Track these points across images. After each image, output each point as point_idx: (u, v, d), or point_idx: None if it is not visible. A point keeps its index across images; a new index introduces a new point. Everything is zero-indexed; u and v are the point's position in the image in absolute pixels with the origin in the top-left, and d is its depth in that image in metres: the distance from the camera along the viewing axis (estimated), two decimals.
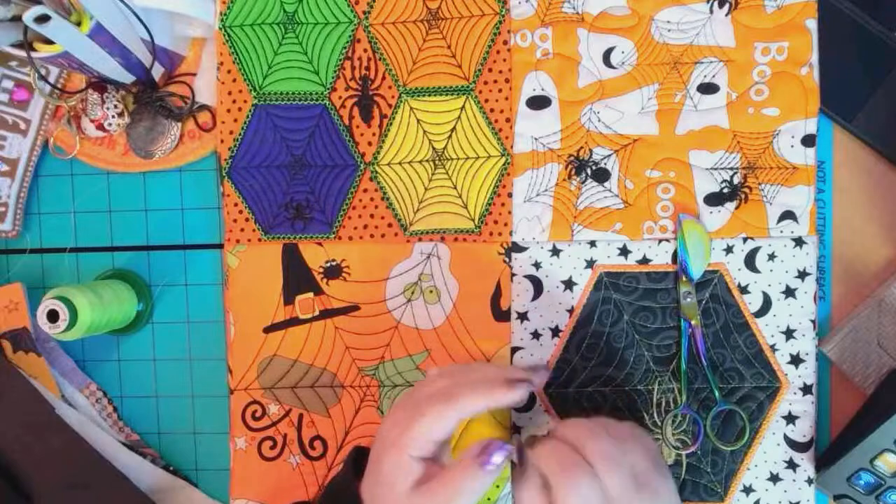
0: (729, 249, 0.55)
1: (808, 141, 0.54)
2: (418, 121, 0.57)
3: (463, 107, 0.56)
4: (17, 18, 0.50)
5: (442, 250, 0.57)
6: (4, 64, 0.59)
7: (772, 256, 0.54)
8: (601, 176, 0.56)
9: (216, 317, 0.59)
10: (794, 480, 0.55)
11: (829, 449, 0.54)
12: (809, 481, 0.55)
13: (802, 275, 0.54)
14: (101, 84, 0.58)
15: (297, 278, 0.58)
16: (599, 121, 0.55)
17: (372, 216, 0.57)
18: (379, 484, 0.46)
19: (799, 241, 0.54)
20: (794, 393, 0.54)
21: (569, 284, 0.56)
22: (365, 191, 0.57)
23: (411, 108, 0.57)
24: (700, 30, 0.54)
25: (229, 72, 0.58)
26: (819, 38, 0.53)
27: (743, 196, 0.55)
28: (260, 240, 0.58)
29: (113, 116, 0.58)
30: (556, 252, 0.56)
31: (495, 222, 0.56)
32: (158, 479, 0.59)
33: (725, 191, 0.55)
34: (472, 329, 0.57)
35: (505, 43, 0.56)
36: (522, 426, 0.56)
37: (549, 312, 0.56)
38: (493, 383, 0.47)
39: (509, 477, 0.57)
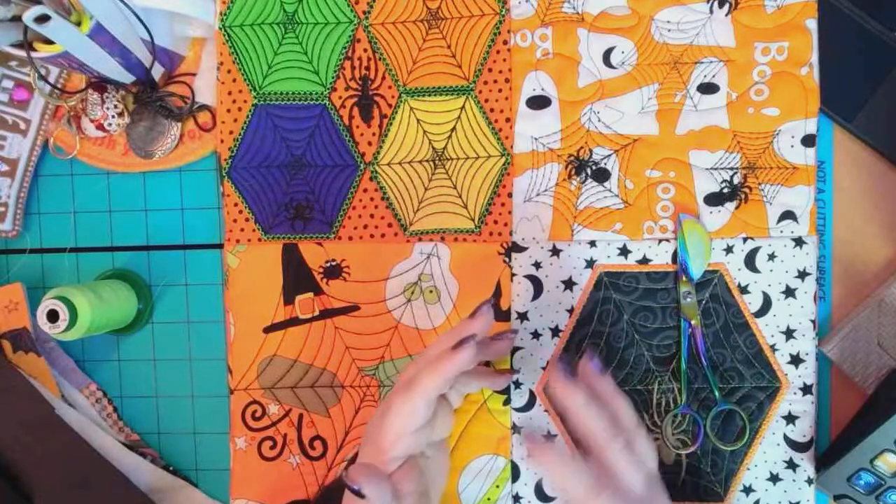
0: (729, 249, 0.55)
1: (808, 141, 0.54)
2: (418, 121, 0.57)
3: (463, 107, 0.56)
4: (17, 18, 0.50)
5: (442, 250, 0.57)
6: (4, 64, 0.59)
7: (772, 256, 0.54)
8: (601, 176, 0.56)
9: (216, 317, 0.59)
10: (794, 480, 0.55)
11: (829, 449, 0.54)
12: (809, 481, 0.55)
13: (802, 275, 0.54)
14: (101, 84, 0.58)
15: (297, 278, 0.58)
16: (599, 121, 0.55)
17: (372, 216, 0.57)
18: None
19: (799, 241, 0.54)
20: (794, 393, 0.54)
21: (569, 284, 0.56)
22: (365, 191, 0.57)
23: (411, 108, 0.57)
24: (700, 30, 0.54)
25: (229, 72, 0.58)
26: (819, 38, 0.53)
27: (743, 196, 0.55)
28: (260, 240, 0.58)
29: (113, 116, 0.58)
30: (556, 252, 0.56)
31: (495, 222, 0.56)
32: (158, 479, 0.59)
33: (725, 191, 0.55)
34: None
35: (505, 43, 0.56)
36: (522, 426, 0.56)
37: (549, 312, 0.56)
38: (441, 356, 0.47)
39: (510, 478, 0.57)
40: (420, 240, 0.57)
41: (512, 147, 0.56)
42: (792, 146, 0.54)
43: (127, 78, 0.56)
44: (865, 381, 0.53)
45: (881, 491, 0.51)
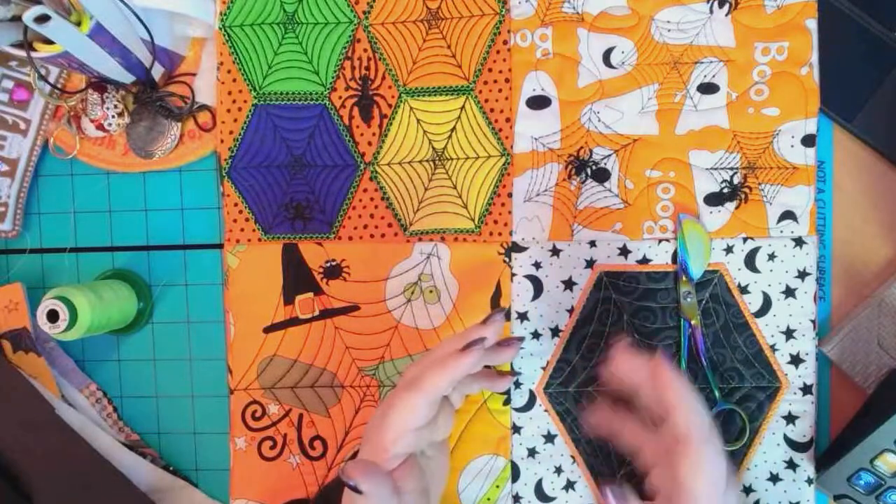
0: (729, 249, 0.55)
1: (808, 141, 0.54)
2: (418, 121, 0.57)
3: (463, 107, 0.56)
4: (17, 18, 0.50)
5: (442, 250, 0.57)
6: (4, 64, 0.59)
7: (772, 256, 0.54)
8: (601, 176, 0.56)
9: (216, 317, 0.59)
10: (794, 480, 0.55)
11: (829, 449, 0.54)
12: (809, 481, 0.55)
13: (802, 275, 0.54)
14: (101, 84, 0.58)
15: (297, 278, 0.58)
16: (599, 121, 0.55)
17: (372, 216, 0.57)
18: None
19: (799, 241, 0.54)
20: (794, 393, 0.54)
21: (569, 284, 0.56)
22: (365, 191, 0.57)
23: (411, 108, 0.57)
24: (700, 30, 0.54)
25: (229, 72, 0.58)
26: (819, 38, 0.53)
27: (743, 196, 0.55)
28: (260, 240, 0.58)
29: (113, 116, 0.58)
30: (556, 252, 0.56)
31: (495, 222, 0.56)
32: (158, 479, 0.59)
33: (725, 191, 0.55)
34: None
35: (505, 43, 0.56)
36: (522, 426, 0.56)
37: (549, 312, 0.56)
38: (448, 357, 0.47)
39: (510, 478, 0.57)
40: (420, 240, 0.57)
41: (512, 147, 0.56)
42: (792, 146, 0.54)
43: (127, 78, 0.56)
44: (865, 381, 0.53)
45: (881, 491, 0.51)
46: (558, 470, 0.56)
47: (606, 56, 0.55)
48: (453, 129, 0.57)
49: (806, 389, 0.54)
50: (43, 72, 0.58)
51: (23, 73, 0.59)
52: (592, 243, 0.56)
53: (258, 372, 0.58)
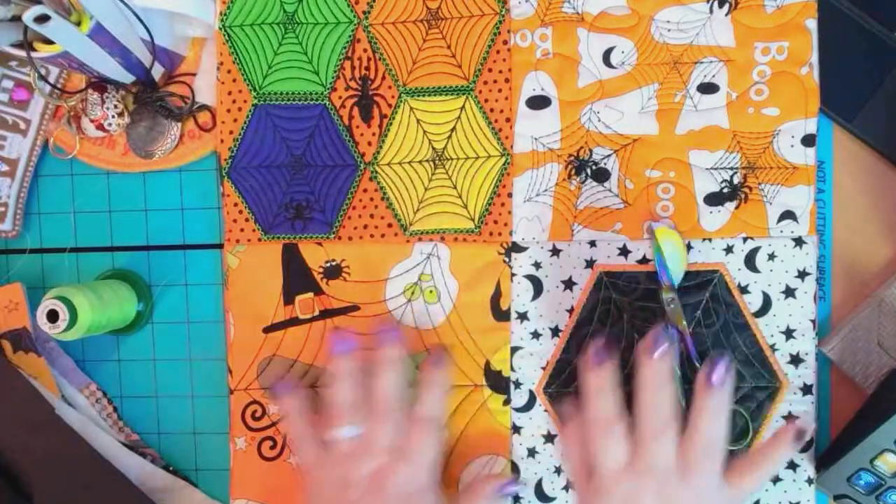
0: (729, 249, 0.55)
1: (808, 141, 0.54)
2: (418, 121, 0.57)
3: (463, 107, 0.56)
4: (17, 18, 0.50)
5: (442, 250, 0.57)
6: (4, 64, 0.59)
7: (772, 256, 0.54)
8: (601, 176, 0.56)
9: (216, 317, 0.59)
10: (794, 480, 0.55)
11: (829, 449, 0.54)
12: (809, 481, 0.55)
13: (802, 275, 0.54)
14: (101, 84, 0.58)
15: (297, 278, 0.58)
16: (599, 121, 0.55)
17: (372, 216, 0.57)
18: None
19: (799, 241, 0.54)
20: (794, 393, 0.54)
21: (569, 284, 0.56)
22: (365, 191, 0.57)
23: (411, 108, 0.57)
24: (700, 30, 0.54)
25: (229, 72, 0.58)
26: (819, 38, 0.53)
27: (743, 196, 0.55)
28: (260, 240, 0.58)
29: (113, 116, 0.58)
30: (556, 252, 0.56)
31: (495, 222, 0.56)
32: (158, 479, 0.59)
33: (725, 191, 0.55)
34: (472, 329, 0.57)
35: (505, 43, 0.56)
36: (522, 426, 0.56)
37: (549, 312, 0.56)
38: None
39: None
40: (420, 240, 0.57)
41: (512, 147, 0.56)
42: (792, 146, 0.54)
43: (127, 78, 0.56)
44: (865, 381, 0.53)
45: (881, 491, 0.51)
46: (558, 470, 0.56)
47: (606, 56, 0.55)
48: (453, 129, 0.57)
49: (806, 389, 0.54)
50: (43, 72, 0.58)
51: (23, 73, 0.59)
52: (592, 243, 0.56)
53: (258, 372, 0.58)
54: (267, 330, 0.58)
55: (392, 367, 0.53)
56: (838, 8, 0.54)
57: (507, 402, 0.57)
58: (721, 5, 0.54)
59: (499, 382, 0.57)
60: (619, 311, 0.56)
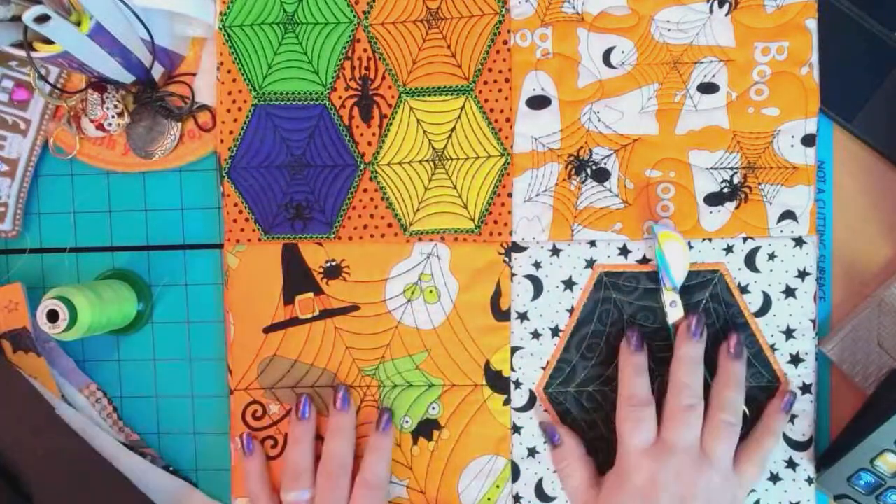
0: (729, 249, 0.55)
1: (808, 141, 0.54)
2: (418, 121, 0.57)
3: (463, 107, 0.56)
4: (17, 18, 0.50)
5: (442, 250, 0.57)
6: (4, 64, 0.59)
7: (772, 256, 0.54)
8: (601, 176, 0.56)
9: (216, 317, 0.59)
10: (794, 480, 0.55)
11: (829, 449, 0.54)
12: (809, 481, 0.55)
13: (802, 275, 0.54)
14: (101, 84, 0.58)
15: (297, 278, 0.58)
16: (599, 120, 0.55)
17: (372, 216, 0.57)
18: None
19: (799, 241, 0.54)
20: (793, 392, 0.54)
21: (569, 284, 0.56)
22: (365, 191, 0.57)
23: (411, 108, 0.57)
24: (700, 30, 0.54)
25: (229, 72, 0.58)
26: (819, 38, 0.53)
27: (743, 196, 0.55)
28: (260, 240, 0.58)
29: (113, 116, 0.58)
30: (556, 252, 0.56)
31: (495, 222, 0.56)
32: (159, 479, 0.59)
33: (725, 191, 0.55)
34: (472, 329, 0.57)
35: (505, 43, 0.56)
36: (522, 426, 0.56)
37: (549, 312, 0.56)
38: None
39: (510, 478, 0.57)
40: (420, 240, 0.57)
41: (512, 147, 0.56)
42: (792, 146, 0.54)
43: (127, 78, 0.56)
44: (865, 381, 0.53)
45: (881, 491, 0.51)
46: None
47: (606, 56, 0.55)
48: (453, 129, 0.57)
49: (805, 389, 0.54)
50: (43, 72, 0.58)
51: (23, 73, 0.59)
52: (592, 243, 0.56)
53: (258, 372, 0.58)
54: (267, 330, 0.58)
55: (341, 434, 0.56)
56: (838, 8, 0.54)
57: (507, 402, 0.57)
58: (721, 5, 0.54)
59: (499, 382, 0.57)
60: (619, 311, 0.56)
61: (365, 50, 0.57)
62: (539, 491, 0.56)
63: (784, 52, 0.54)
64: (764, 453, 0.52)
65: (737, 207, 0.55)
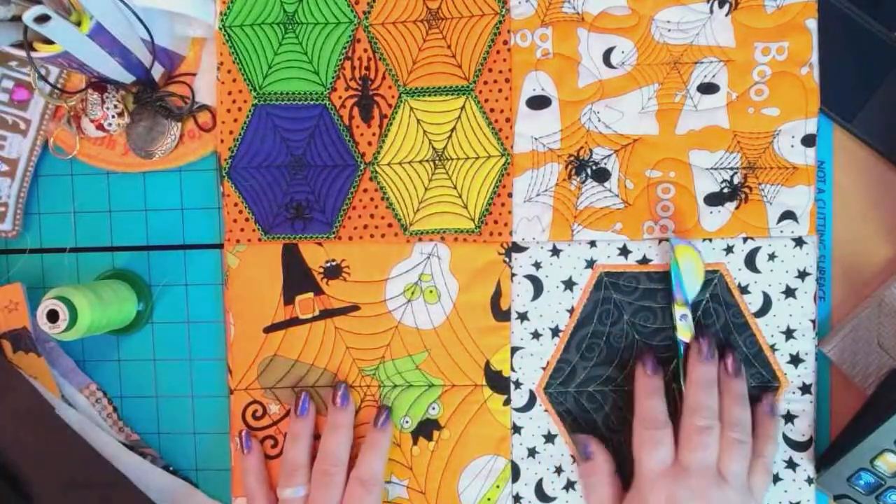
0: (729, 249, 0.55)
1: (808, 141, 0.54)
2: (418, 121, 0.57)
3: (463, 107, 0.56)
4: (17, 18, 0.50)
5: (442, 250, 0.57)
6: (4, 64, 0.59)
7: (772, 256, 0.54)
8: (601, 176, 0.56)
9: (216, 317, 0.59)
10: (794, 480, 0.55)
11: (829, 449, 0.54)
12: (809, 481, 0.55)
13: (802, 275, 0.54)
14: (101, 84, 0.58)
15: (297, 278, 0.58)
16: (599, 121, 0.55)
17: (372, 216, 0.57)
18: None
19: (799, 241, 0.54)
20: (793, 392, 0.54)
21: (569, 284, 0.56)
22: (365, 191, 0.57)
23: (411, 108, 0.57)
24: (700, 30, 0.54)
25: (229, 72, 0.58)
26: (819, 38, 0.53)
27: (743, 196, 0.55)
28: (260, 240, 0.58)
29: (113, 116, 0.58)
30: (556, 252, 0.56)
31: (495, 222, 0.56)
32: (158, 479, 0.59)
33: (725, 191, 0.55)
34: (473, 329, 0.57)
35: (505, 43, 0.56)
36: (522, 426, 0.56)
37: (549, 312, 0.56)
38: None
39: (510, 478, 0.57)
40: (420, 240, 0.57)
41: (512, 147, 0.56)
42: (792, 146, 0.54)
43: (127, 78, 0.56)
44: (865, 381, 0.53)
45: (881, 491, 0.51)
46: (558, 470, 0.56)
47: (606, 56, 0.55)
48: (453, 129, 0.57)
49: (805, 389, 0.54)
50: (43, 72, 0.58)
51: (23, 73, 0.59)
52: (592, 243, 0.56)
53: (258, 372, 0.58)
54: (267, 330, 0.58)
55: (339, 431, 0.56)
56: (838, 8, 0.54)
57: (507, 402, 0.57)
58: (721, 5, 0.54)
59: (499, 382, 0.57)
60: (619, 311, 0.56)
61: (365, 50, 0.57)
62: (539, 491, 0.57)
63: (784, 53, 0.54)
64: (767, 460, 0.53)
65: (737, 207, 0.55)
